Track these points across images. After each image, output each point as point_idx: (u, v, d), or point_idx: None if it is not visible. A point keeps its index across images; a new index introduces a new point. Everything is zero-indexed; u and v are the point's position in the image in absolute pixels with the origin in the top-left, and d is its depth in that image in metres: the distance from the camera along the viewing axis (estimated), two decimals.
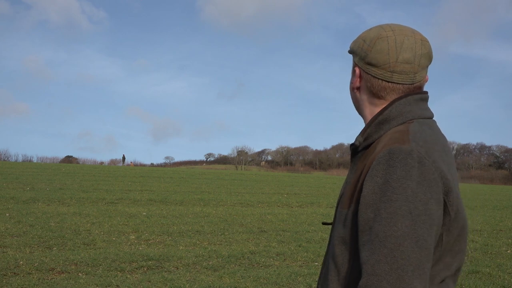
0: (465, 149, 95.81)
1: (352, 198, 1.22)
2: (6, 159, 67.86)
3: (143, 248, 7.75)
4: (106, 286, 5.48)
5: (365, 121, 1.36)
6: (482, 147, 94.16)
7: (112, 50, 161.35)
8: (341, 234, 1.22)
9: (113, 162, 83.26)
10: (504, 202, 22.02)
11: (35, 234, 8.29)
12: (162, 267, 6.45)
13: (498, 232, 11.54)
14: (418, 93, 1.29)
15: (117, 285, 5.52)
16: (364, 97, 1.34)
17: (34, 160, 71.08)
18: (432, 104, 1.34)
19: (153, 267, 6.44)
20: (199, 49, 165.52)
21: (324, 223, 1.63)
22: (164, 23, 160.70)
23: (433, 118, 1.32)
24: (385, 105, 1.29)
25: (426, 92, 1.32)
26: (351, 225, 1.19)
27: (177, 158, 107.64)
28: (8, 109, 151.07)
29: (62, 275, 5.84)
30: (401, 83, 1.28)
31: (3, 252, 6.87)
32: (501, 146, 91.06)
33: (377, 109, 1.32)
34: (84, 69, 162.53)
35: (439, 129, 1.29)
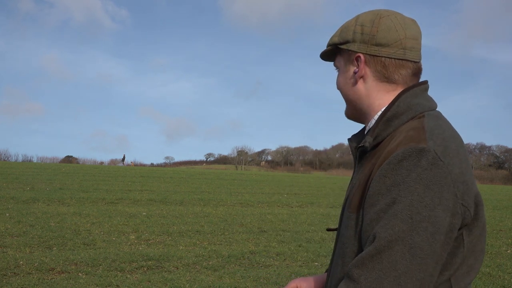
0: None
1: (361, 201, 1.16)
2: (6, 159, 67.85)
3: (143, 248, 7.74)
4: (106, 286, 5.48)
5: (369, 114, 1.29)
6: (482, 147, 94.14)
7: (126, 50, 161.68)
8: (352, 237, 1.17)
9: (113, 162, 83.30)
10: (504, 202, 22.01)
11: (35, 234, 8.29)
12: (162, 267, 6.45)
13: (498, 232, 11.53)
14: (422, 84, 1.25)
15: (117, 285, 5.52)
16: (372, 86, 1.26)
17: (34, 160, 71.13)
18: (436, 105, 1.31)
19: (153, 267, 6.44)
20: (205, 49, 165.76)
21: (328, 229, 1.56)
22: (176, 23, 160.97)
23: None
24: (393, 98, 1.23)
25: (427, 81, 1.27)
26: (361, 228, 1.15)
27: (177, 158, 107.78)
28: (21, 109, 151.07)
29: (62, 275, 5.84)
30: (412, 61, 1.23)
31: (3, 252, 6.87)
32: (501, 146, 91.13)
33: (389, 96, 1.25)
34: (102, 69, 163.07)
35: (448, 120, 1.23)
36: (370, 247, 1.04)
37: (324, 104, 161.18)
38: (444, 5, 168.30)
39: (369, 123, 1.29)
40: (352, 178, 1.30)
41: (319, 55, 1.39)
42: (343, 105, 1.39)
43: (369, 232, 1.08)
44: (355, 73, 1.28)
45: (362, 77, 1.27)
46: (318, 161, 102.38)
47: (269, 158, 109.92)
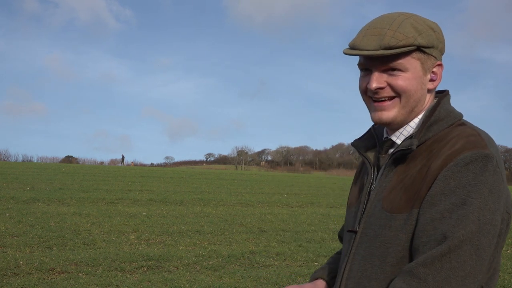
0: None
1: (411, 201, 1.15)
2: (6, 159, 67.86)
3: (143, 248, 7.75)
4: (106, 286, 5.48)
5: (406, 118, 1.25)
6: None
7: (128, 50, 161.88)
8: (395, 237, 1.16)
9: (113, 162, 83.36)
10: None
11: (35, 234, 8.29)
12: (162, 267, 6.45)
13: None
14: (448, 92, 1.29)
15: (117, 285, 5.53)
16: (430, 93, 1.27)
17: (34, 160, 71.18)
18: None
19: (153, 267, 6.44)
20: (207, 49, 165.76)
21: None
22: (178, 23, 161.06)
23: None
24: (433, 104, 1.25)
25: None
26: (416, 227, 1.14)
27: (177, 158, 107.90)
28: (24, 109, 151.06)
29: (62, 275, 5.84)
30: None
31: (3, 252, 6.87)
32: (501, 146, 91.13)
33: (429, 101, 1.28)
34: (104, 69, 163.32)
35: None
36: (442, 246, 1.05)
37: (324, 104, 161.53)
38: (446, 6, 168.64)
39: (402, 128, 1.27)
40: (373, 180, 1.28)
41: (385, 50, 1.18)
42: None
43: (430, 231, 1.09)
44: (432, 80, 1.25)
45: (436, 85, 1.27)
46: (318, 161, 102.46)
47: (269, 158, 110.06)
